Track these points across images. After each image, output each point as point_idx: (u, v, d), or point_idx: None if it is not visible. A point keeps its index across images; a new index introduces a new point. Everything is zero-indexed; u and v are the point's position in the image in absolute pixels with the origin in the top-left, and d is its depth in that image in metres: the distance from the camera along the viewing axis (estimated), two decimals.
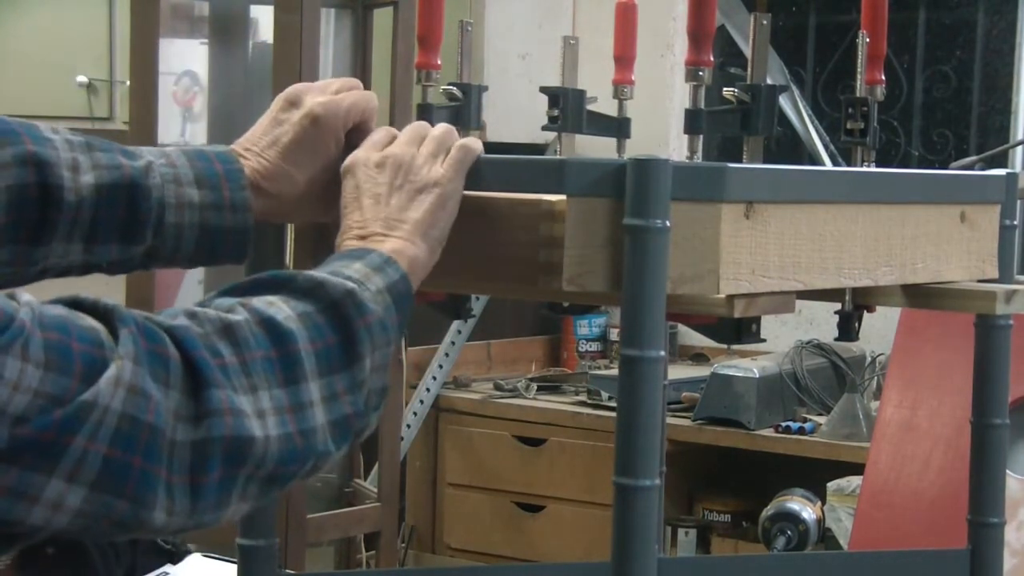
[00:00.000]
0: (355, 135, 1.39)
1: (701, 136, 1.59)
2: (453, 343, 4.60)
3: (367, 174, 1.32)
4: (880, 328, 3.43)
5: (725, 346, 4.52)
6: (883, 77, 1.61)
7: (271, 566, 1.60)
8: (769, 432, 4.05)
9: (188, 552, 2.49)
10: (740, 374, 4.09)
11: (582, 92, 1.70)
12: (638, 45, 1.77)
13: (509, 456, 4.45)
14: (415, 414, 4.49)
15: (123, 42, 4.57)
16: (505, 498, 4.47)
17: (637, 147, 1.56)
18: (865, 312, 1.58)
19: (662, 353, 1.27)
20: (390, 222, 1.30)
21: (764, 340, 1.51)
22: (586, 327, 4.94)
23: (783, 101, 4.62)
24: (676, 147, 4.88)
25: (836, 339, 1.59)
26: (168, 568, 2.43)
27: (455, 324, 4.47)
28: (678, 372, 4.44)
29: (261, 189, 1.36)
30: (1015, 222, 1.67)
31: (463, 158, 1.34)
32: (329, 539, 3.77)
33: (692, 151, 1.60)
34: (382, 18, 3.71)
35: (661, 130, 4.95)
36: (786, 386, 4.17)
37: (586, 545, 4.22)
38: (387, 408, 4.22)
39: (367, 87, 1.44)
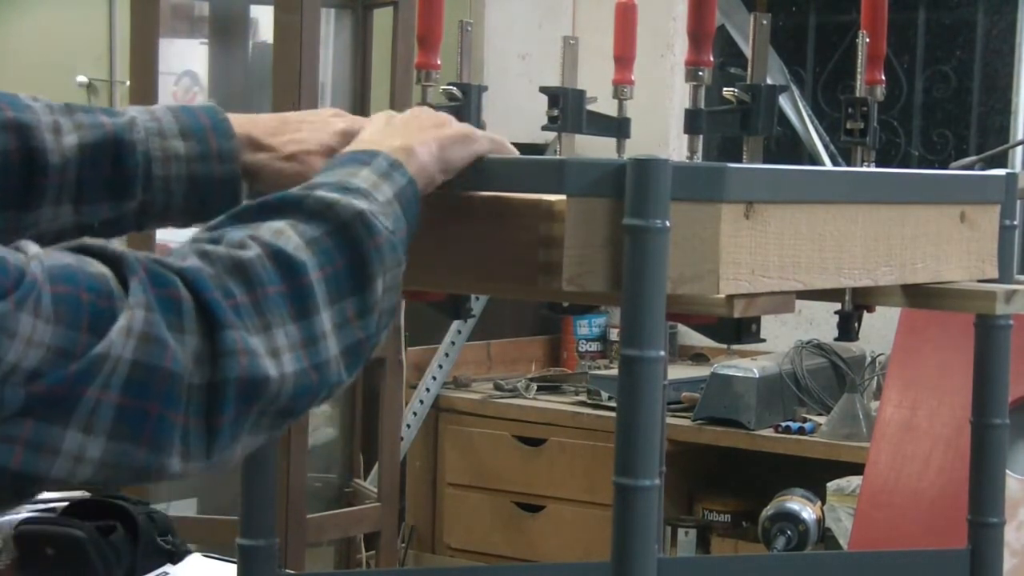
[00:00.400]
0: None
1: (701, 136, 1.59)
2: (453, 343, 4.60)
3: (381, 119, 1.32)
4: (880, 328, 3.42)
5: (725, 346, 4.52)
6: (883, 77, 1.61)
7: (271, 566, 1.60)
8: (769, 432, 4.05)
9: (188, 552, 2.49)
10: (740, 374, 4.09)
11: (582, 92, 1.70)
12: (638, 45, 1.77)
13: (509, 456, 4.45)
14: (415, 414, 4.49)
15: (123, 42, 4.57)
16: (505, 498, 4.48)
17: (637, 147, 1.56)
18: (865, 312, 1.58)
19: (662, 353, 1.27)
20: (404, 131, 1.29)
21: (764, 340, 1.51)
22: (586, 327, 4.94)
23: (783, 101, 4.62)
24: (676, 147, 4.88)
25: (836, 339, 1.59)
26: (168, 568, 2.43)
27: (455, 324, 4.47)
28: (678, 372, 4.44)
29: (256, 143, 1.36)
30: (1015, 222, 1.67)
31: (490, 139, 1.36)
32: (329, 539, 3.77)
33: (692, 151, 1.60)
34: (382, 18, 3.71)
35: (661, 130, 4.95)
36: (786, 386, 4.17)
37: (586, 545, 4.22)
38: (387, 408, 4.20)
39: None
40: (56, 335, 1.01)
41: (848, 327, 1.57)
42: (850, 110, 1.60)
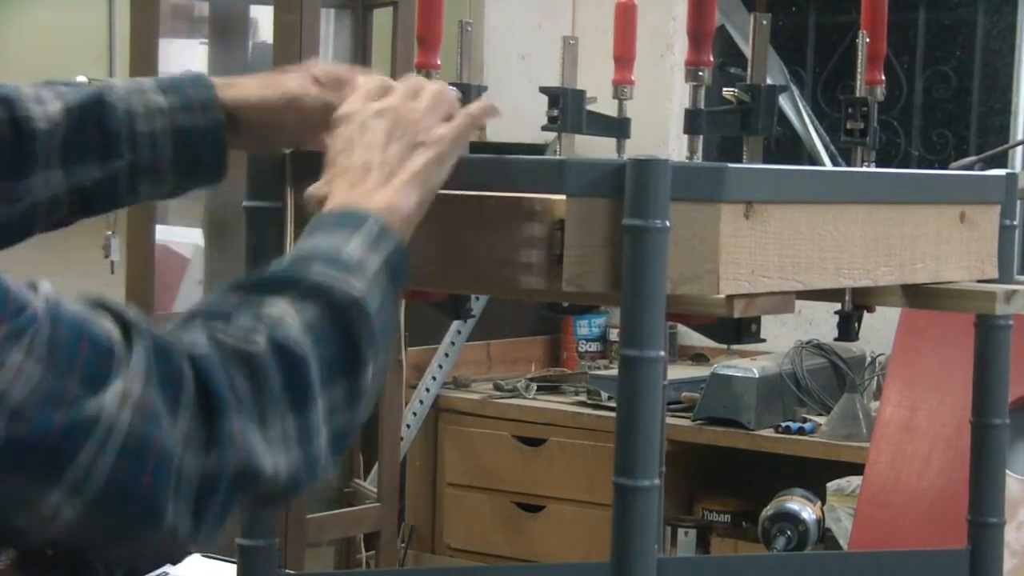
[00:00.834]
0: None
1: (701, 136, 1.59)
2: (453, 343, 4.60)
3: (363, 123, 1.30)
4: (880, 328, 3.42)
5: (725, 346, 4.52)
6: (883, 77, 1.61)
7: (271, 566, 1.59)
8: (769, 432, 4.05)
9: (188, 552, 2.48)
10: (740, 374, 4.09)
11: (582, 92, 1.70)
12: (638, 45, 1.77)
13: (509, 456, 4.45)
14: (415, 414, 4.49)
15: (123, 42, 4.56)
16: (505, 498, 4.48)
17: (637, 147, 1.56)
18: (865, 312, 1.58)
19: (662, 353, 1.28)
20: (385, 169, 1.28)
21: (764, 340, 1.51)
22: (586, 327, 4.94)
23: (783, 101, 4.62)
24: (676, 147, 4.88)
25: (836, 339, 1.59)
26: (168, 568, 2.43)
27: (455, 324, 4.47)
28: (678, 372, 4.44)
29: (234, 82, 1.38)
30: (1015, 222, 1.67)
31: (469, 123, 1.34)
32: (329, 539, 3.77)
33: (692, 151, 1.60)
34: (382, 18, 3.71)
35: (661, 130, 4.95)
36: (786, 386, 4.17)
37: (586, 545, 4.22)
38: (387, 408, 4.20)
39: None
40: (45, 378, 0.99)
41: (848, 327, 1.57)
42: (850, 110, 1.60)
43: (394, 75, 3.50)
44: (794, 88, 4.85)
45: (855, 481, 3.40)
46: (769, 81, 1.59)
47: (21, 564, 1.07)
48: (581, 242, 1.30)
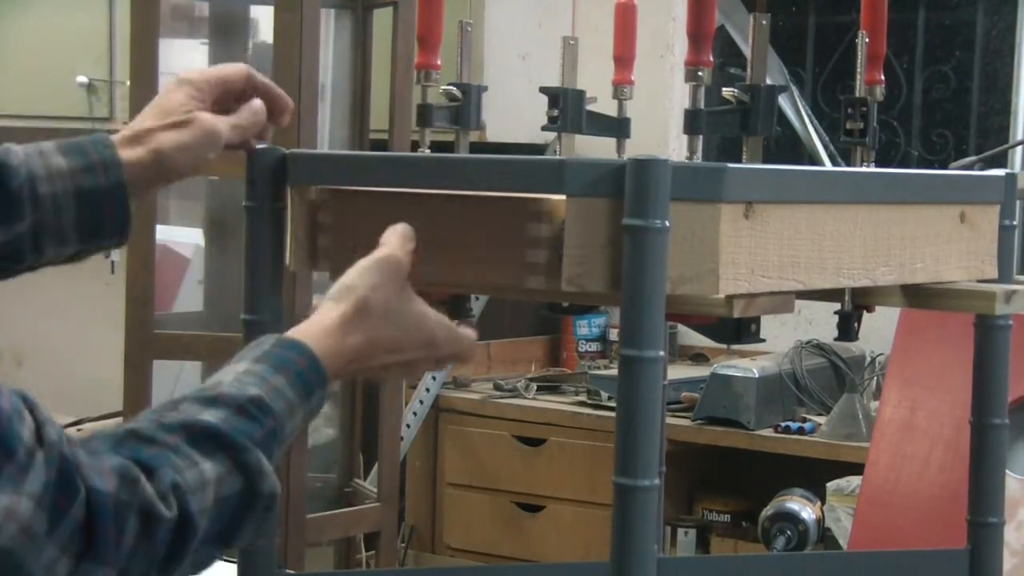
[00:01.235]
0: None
1: (701, 136, 1.59)
2: None
3: (377, 334, 1.30)
4: (880, 328, 3.42)
5: (725, 346, 4.52)
6: (883, 77, 1.61)
7: (271, 566, 1.60)
8: (769, 432, 4.05)
9: None
10: (740, 374, 4.08)
11: (582, 92, 1.71)
12: (638, 45, 1.77)
13: (509, 456, 4.45)
14: (415, 414, 4.49)
15: (123, 42, 4.57)
16: (505, 498, 4.47)
17: (637, 147, 1.56)
18: (865, 312, 1.58)
19: (662, 353, 1.28)
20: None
21: (764, 340, 1.51)
22: (586, 327, 4.94)
23: (783, 101, 4.62)
24: (676, 147, 4.88)
25: (836, 339, 1.59)
26: None
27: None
28: (678, 372, 4.44)
29: (136, 131, 1.36)
30: (1015, 222, 1.67)
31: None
32: (329, 539, 3.77)
33: (692, 151, 1.60)
34: (382, 18, 3.71)
35: (661, 130, 4.95)
36: (786, 386, 4.17)
37: (586, 545, 4.22)
38: (387, 408, 4.20)
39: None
40: None
41: (848, 327, 1.57)
42: (850, 110, 1.60)
43: (394, 75, 3.52)
44: (794, 88, 4.85)
45: (855, 481, 3.40)
46: (769, 81, 1.59)
47: None
48: (581, 242, 1.30)
